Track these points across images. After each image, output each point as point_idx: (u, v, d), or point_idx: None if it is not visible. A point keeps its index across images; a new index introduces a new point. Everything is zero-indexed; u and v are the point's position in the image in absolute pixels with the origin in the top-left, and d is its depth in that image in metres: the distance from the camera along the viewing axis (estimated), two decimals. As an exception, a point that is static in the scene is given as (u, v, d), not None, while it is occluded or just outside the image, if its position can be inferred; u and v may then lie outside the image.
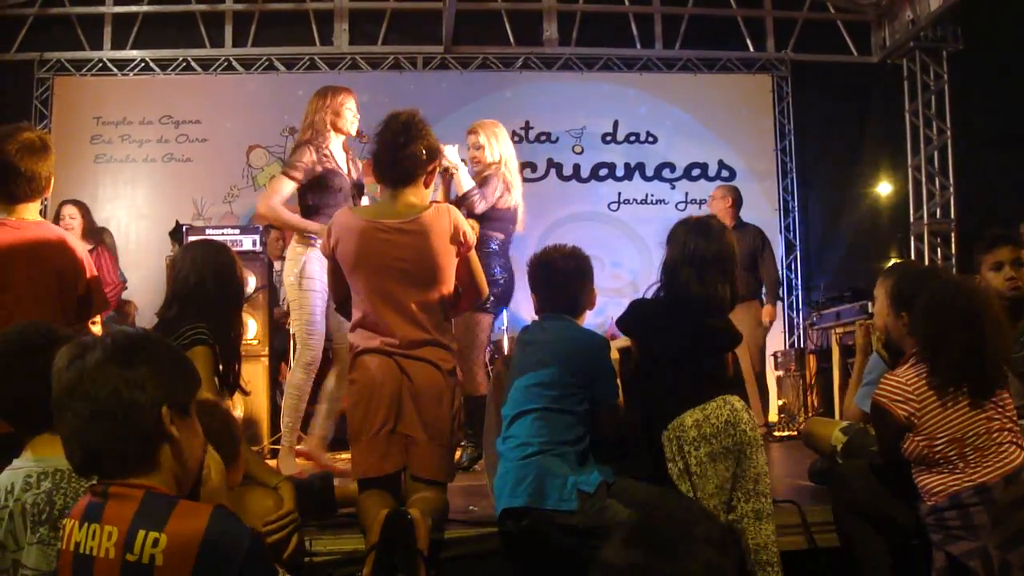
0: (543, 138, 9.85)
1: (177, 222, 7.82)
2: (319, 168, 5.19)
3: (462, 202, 5.44)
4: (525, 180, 9.57)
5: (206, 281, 3.68)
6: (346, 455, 5.71)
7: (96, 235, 7.25)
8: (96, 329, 5.02)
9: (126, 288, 7.71)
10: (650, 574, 1.54)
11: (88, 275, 3.69)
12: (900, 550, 3.64)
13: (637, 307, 3.85)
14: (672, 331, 3.66)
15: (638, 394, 3.79)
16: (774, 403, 8.52)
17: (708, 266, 3.65)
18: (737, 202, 7.89)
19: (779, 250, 9.81)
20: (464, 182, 5.50)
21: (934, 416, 3.28)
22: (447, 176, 5.55)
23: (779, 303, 9.63)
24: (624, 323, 3.85)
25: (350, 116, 5.35)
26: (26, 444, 2.47)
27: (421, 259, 3.67)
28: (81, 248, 3.76)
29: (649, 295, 3.86)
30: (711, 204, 8.07)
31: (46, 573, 2.22)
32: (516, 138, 9.76)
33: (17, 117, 8.65)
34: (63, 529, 2.00)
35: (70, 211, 7.15)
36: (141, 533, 1.86)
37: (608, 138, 9.95)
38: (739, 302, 3.84)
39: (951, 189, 9.69)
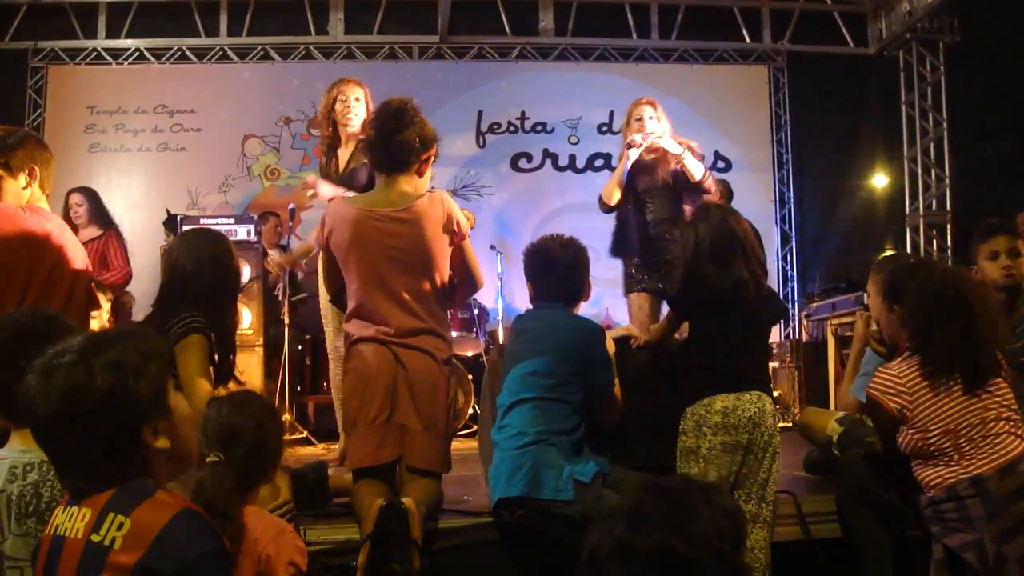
0: (539, 128, 9.83)
1: (168, 211, 7.80)
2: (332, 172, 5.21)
3: (701, 186, 5.48)
4: (520, 170, 9.68)
5: (202, 270, 3.66)
6: (335, 445, 5.72)
7: (105, 220, 7.24)
8: (94, 324, 5.02)
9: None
10: (654, 521, 1.52)
11: (76, 268, 3.66)
12: (901, 541, 3.65)
13: (689, 288, 3.84)
14: (721, 312, 3.68)
15: (669, 374, 3.84)
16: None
17: (717, 248, 3.68)
18: (726, 195, 7.91)
19: (775, 241, 9.82)
20: (695, 168, 5.48)
21: (926, 408, 3.28)
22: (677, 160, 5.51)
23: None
24: (679, 302, 3.87)
25: (340, 108, 5.25)
26: (12, 433, 2.46)
27: (414, 247, 3.66)
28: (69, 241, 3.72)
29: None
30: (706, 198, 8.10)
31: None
32: (512, 128, 9.77)
33: (11, 106, 8.70)
34: (52, 518, 2.01)
35: (76, 199, 7.17)
36: (111, 516, 1.87)
37: (604, 128, 9.91)
38: None
39: (947, 181, 9.69)
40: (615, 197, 5.45)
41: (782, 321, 9.71)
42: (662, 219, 5.44)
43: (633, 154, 5.40)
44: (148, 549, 1.83)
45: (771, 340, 9.06)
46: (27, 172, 3.55)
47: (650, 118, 5.50)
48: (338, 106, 5.21)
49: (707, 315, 3.72)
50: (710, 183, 5.53)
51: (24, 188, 3.54)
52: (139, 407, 1.96)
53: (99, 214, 7.21)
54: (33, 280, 3.44)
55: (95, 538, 1.86)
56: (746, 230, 3.76)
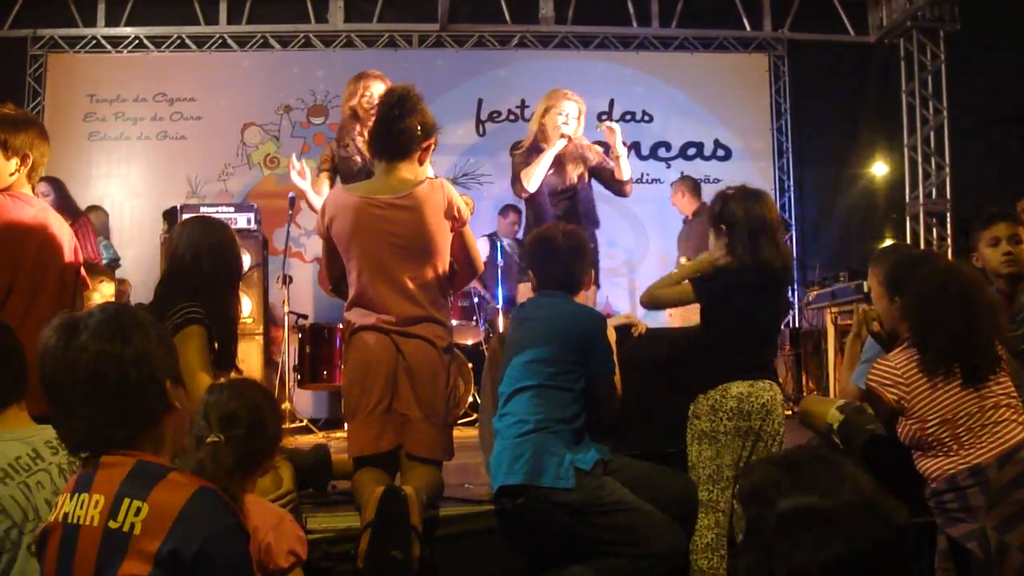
0: (539, 116, 9.79)
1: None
2: (338, 157, 5.34)
3: (622, 187, 5.64)
4: (522, 159, 9.65)
5: (203, 258, 3.65)
6: (341, 433, 5.74)
7: (72, 211, 7.23)
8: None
9: (120, 265, 7.69)
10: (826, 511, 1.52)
11: (63, 252, 3.65)
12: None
13: (721, 274, 3.84)
14: (751, 299, 3.72)
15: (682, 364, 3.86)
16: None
17: (773, 231, 3.70)
18: (693, 189, 8.37)
19: (775, 230, 9.80)
20: (625, 169, 5.61)
21: (923, 399, 3.28)
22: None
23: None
24: (704, 288, 3.86)
25: (367, 104, 5.39)
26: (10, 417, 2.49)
27: (415, 234, 3.66)
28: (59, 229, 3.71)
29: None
30: (674, 200, 8.55)
31: None
32: (512, 116, 9.75)
33: (10, 95, 8.64)
34: (55, 505, 2.00)
35: (42, 188, 7.14)
36: (126, 501, 1.87)
37: (604, 117, 9.82)
38: None
39: (947, 169, 9.68)
40: (535, 184, 5.47)
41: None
42: (567, 216, 5.49)
43: (561, 144, 5.48)
44: (169, 532, 1.83)
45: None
46: (21, 157, 3.52)
47: (574, 118, 5.61)
48: (364, 103, 5.31)
49: (732, 301, 3.73)
50: (629, 188, 5.71)
51: (11, 173, 3.51)
52: (164, 363, 1.99)
53: (65, 205, 7.19)
54: (20, 271, 3.43)
55: (113, 525, 1.85)
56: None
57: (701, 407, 3.66)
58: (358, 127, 5.31)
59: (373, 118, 5.30)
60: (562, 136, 5.43)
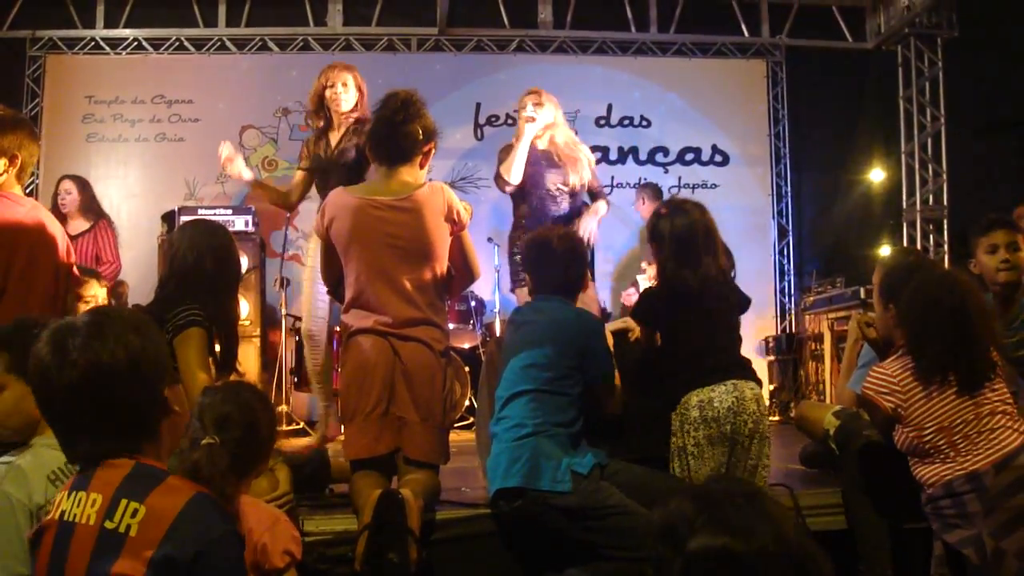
0: (537, 121, 9.79)
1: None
2: (323, 152, 5.52)
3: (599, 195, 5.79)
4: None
5: (203, 261, 3.66)
6: (338, 436, 5.75)
7: (95, 212, 7.23)
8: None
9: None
10: (736, 558, 1.41)
11: (56, 251, 3.66)
12: (901, 533, 3.68)
13: (649, 295, 3.91)
14: (686, 311, 3.75)
15: (648, 378, 3.86)
16: (766, 388, 8.54)
17: (697, 247, 3.71)
18: (654, 195, 8.51)
19: (772, 235, 9.83)
20: (585, 226, 5.64)
21: (920, 407, 3.29)
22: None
23: (771, 288, 9.69)
24: (639, 312, 3.89)
25: (330, 94, 5.48)
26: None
27: (415, 236, 3.67)
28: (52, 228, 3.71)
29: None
30: (637, 207, 8.72)
31: None
32: (510, 121, 9.74)
33: (8, 95, 8.66)
34: (53, 503, 2.01)
35: (66, 185, 7.16)
36: (123, 502, 1.87)
37: (602, 122, 9.90)
38: None
39: (944, 176, 9.68)
40: (516, 176, 5.52)
41: (779, 315, 9.75)
42: (560, 217, 5.58)
43: (529, 130, 5.52)
44: (165, 536, 1.84)
45: (768, 334, 9.14)
46: (8, 158, 3.53)
47: (535, 105, 5.63)
48: (328, 93, 5.51)
49: (674, 317, 3.75)
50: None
51: (0, 173, 3.54)
52: (159, 368, 2.01)
53: (89, 205, 7.19)
54: (11, 271, 3.44)
55: (109, 525, 1.86)
56: (713, 221, 3.83)
57: (674, 424, 3.68)
58: (321, 123, 5.45)
59: (340, 107, 5.45)
60: (527, 120, 5.52)
